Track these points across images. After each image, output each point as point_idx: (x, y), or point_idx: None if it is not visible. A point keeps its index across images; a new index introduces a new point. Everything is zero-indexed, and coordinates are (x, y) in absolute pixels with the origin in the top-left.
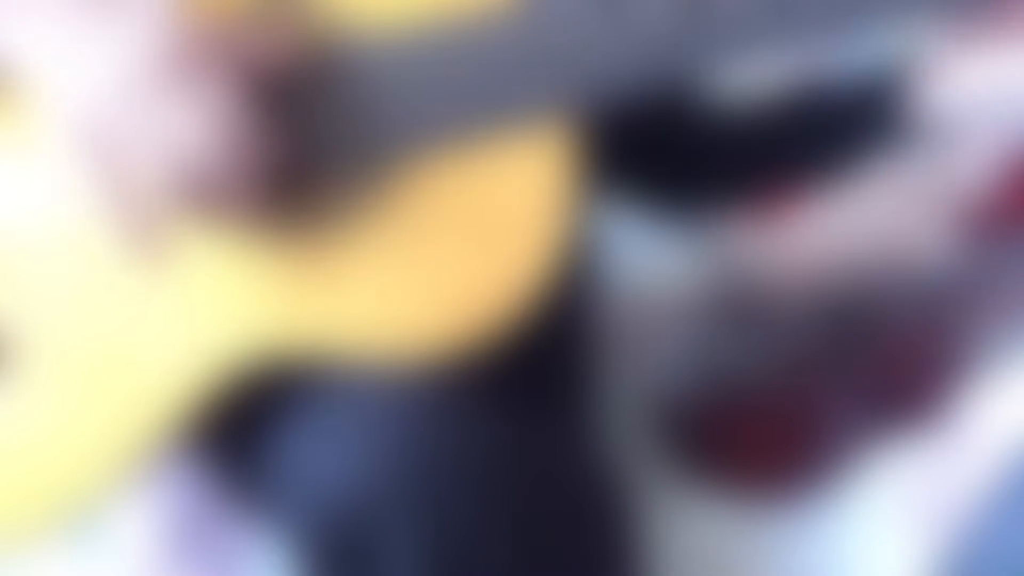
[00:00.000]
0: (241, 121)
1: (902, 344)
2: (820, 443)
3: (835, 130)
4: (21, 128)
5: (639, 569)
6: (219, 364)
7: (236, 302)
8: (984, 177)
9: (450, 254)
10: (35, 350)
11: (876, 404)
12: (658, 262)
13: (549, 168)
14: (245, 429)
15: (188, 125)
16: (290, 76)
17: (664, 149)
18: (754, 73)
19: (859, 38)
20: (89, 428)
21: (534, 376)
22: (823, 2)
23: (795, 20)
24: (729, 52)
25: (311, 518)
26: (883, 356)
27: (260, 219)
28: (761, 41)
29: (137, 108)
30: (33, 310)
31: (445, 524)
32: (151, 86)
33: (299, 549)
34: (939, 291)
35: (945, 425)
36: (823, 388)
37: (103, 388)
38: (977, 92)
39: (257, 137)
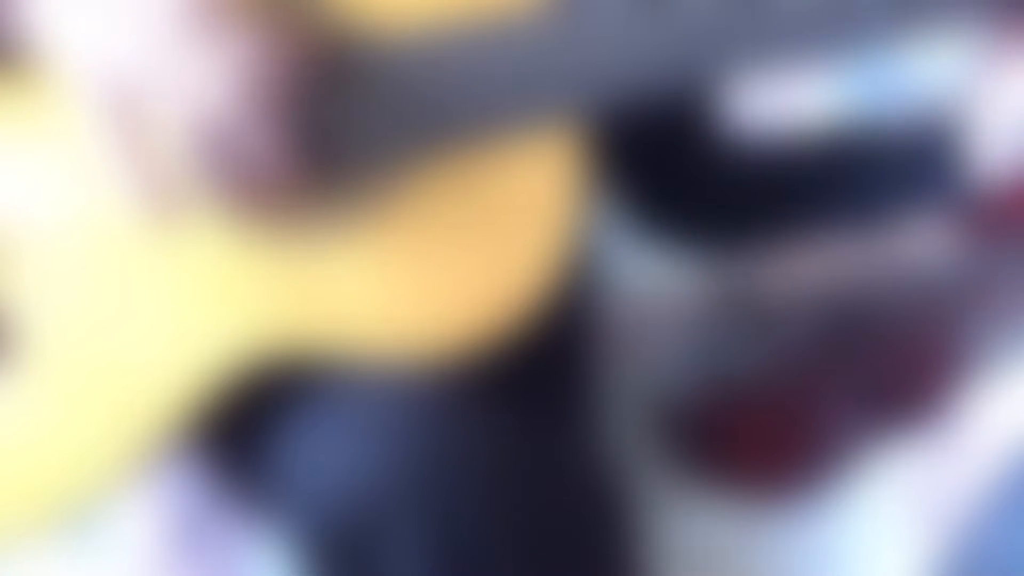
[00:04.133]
0: (263, 81)
1: (902, 344)
2: (820, 443)
3: (874, 173)
4: (31, 111)
5: (640, 568)
6: (222, 362)
7: (240, 299)
8: (986, 182)
9: (456, 254)
10: (37, 347)
11: (877, 404)
12: (663, 264)
13: (558, 171)
14: (247, 428)
15: (211, 85)
16: (307, 68)
17: (677, 160)
18: (790, 104)
19: (899, 67)
20: (90, 426)
21: (537, 376)
22: (863, 5)
23: (839, 23)
24: (765, 57)
25: (313, 518)
26: (883, 356)
27: (268, 212)
28: (803, 45)
29: (159, 70)
30: (37, 305)
31: (447, 524)
32: (173, 48)
33: (301, 549)
34: (940, 292)
35: (945, 425)
36: (824, 388)
37: (104, 386)
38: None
39: (275, 97)
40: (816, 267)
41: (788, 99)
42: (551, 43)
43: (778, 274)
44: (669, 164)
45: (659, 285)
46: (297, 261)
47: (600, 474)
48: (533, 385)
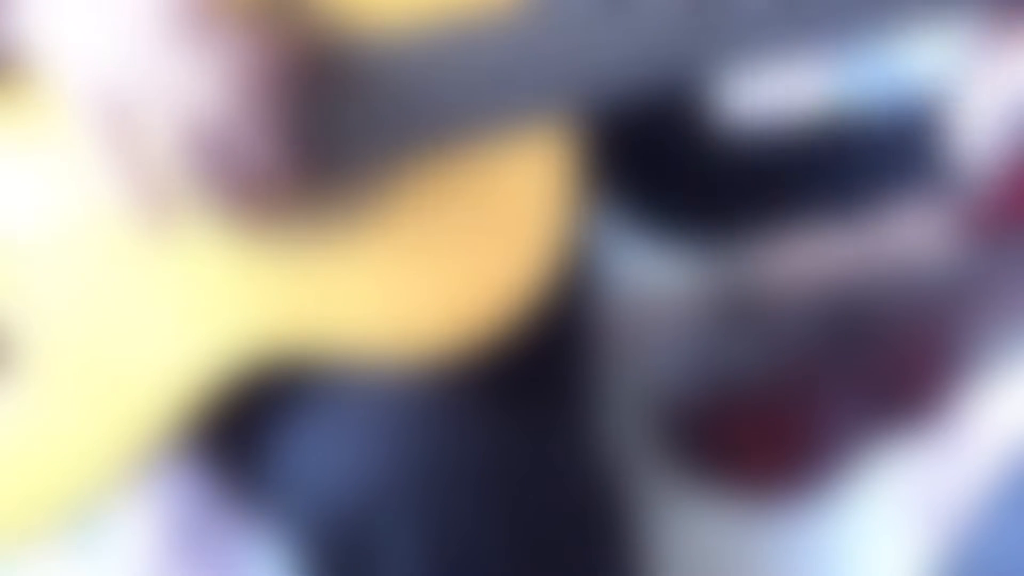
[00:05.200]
0: (254, 82)
1: (902, 344)
2: (820, 443)
3: (852, 157)
4: (25, 119)
5: (639, 569)
6: (220, 363)
7: (237, 301)
8: (984, 177)
9: (451, 254)
10: (36, 349)
11: (876, 404)
12: (659, 262)
13: (552, 169)
14: (246, 429)
15: (202, 87)
16: (296, 70)
17: (669, 154)
18: (780, 95)
19: (889, 56)
20: (90, 427)
21: (535, 376)
22: (837, 3)
23: (808, 21)
24: (739, 54)
25: (312, 518)
26: (883, 356)
27: (263, 213)
28: (773, 42)
29: (148, 70)
30: (34, 309)
31: (446, 524)
32: (163, 51)
33: (300, 549)
34: (939, 291)
35: (945, 425)
36: (823, 388)
37: (104, 387)
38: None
39: (267, 99)
40: (814, 264)
41: (777, 89)
42: (528, 42)
43: (776, 272)
44: (661, 159)
45: (657, 284)
46: (293, 263)
47: (599, 474)
48: (531, 385)
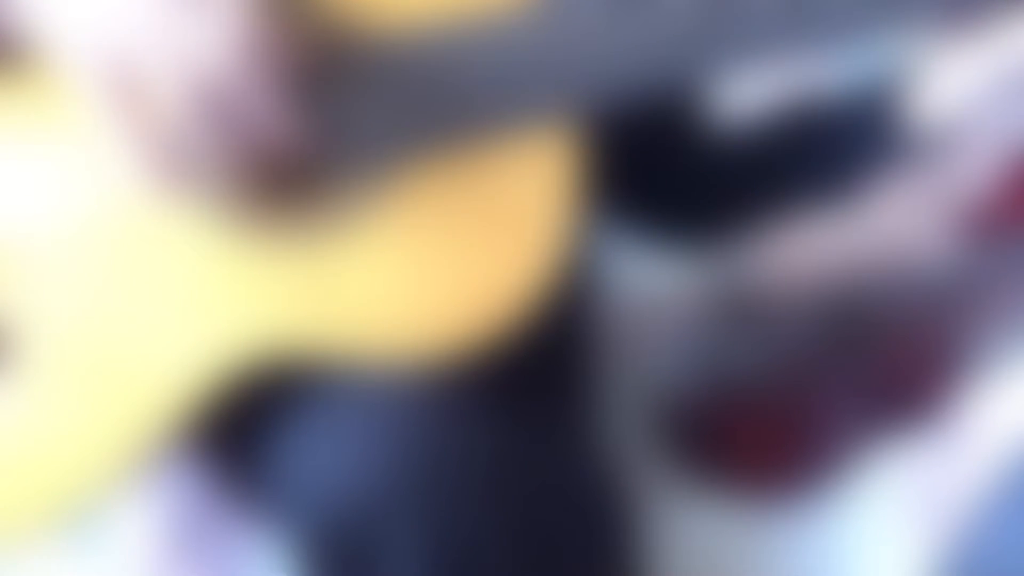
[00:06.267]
0: (262, 48)
1: (902, 344)
2: (820, 443)
3: (833, 144)
4: (28, 110)
5: (640, 569)
6: (221, 363)
7: (239, 300)
8: (982, 178)
9: (453, 254)
10: (37, 348)
11: (876, 404)
12: (660, 263)
13: (555, 170)
14: (247, 429)
15: (210, 48)
16: (299, 56)
17: (669, 155)
18: (755, 88)
19: (854, 48)
20: (90, 427)
21: (536, 377)
22: (841, 3)
23: (813, 21)
24: (747, 56)
25: (312, 519)
26: (883, 356)
27: (270, 187)
28: (779, 43)
29: (156, 37)
30: (36, 307)
31: (447, 525)
32: (168, 14)
33: (300, 550)
34: (939, 292)
35: (945, 425)
36: (823, 388)
37: (104, 387)
38: (971, 94)
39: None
40: (812, 262)
41: (766, 84)
42: (536, 42)
43: (776, 272)
44: (662, 160)
45: (658, 284)
46: (295, 262)
47: (599, 475)
48: (532, 385)
